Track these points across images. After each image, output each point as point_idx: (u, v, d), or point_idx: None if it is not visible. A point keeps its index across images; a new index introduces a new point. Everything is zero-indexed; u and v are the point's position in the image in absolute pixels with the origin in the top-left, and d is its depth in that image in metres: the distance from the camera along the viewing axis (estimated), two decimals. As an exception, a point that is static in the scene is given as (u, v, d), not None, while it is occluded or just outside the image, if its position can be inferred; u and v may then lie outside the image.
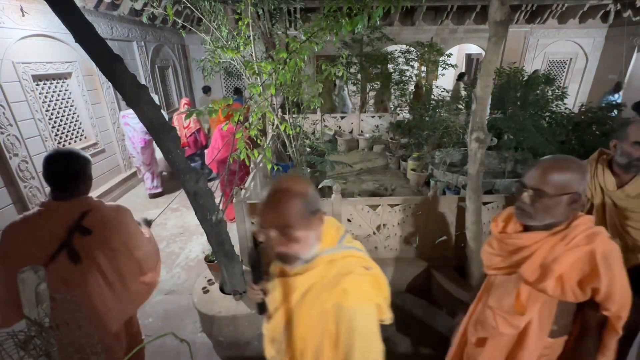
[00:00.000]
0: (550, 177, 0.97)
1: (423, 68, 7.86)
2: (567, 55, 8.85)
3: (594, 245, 0.96)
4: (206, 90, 6.92)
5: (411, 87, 7.13)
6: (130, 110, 4.67)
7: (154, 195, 4.90)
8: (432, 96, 5.97)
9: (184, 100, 5.42)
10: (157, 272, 1.64)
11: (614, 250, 0.98)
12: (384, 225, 2.65)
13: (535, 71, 7.61)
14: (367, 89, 7.77)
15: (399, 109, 6.88)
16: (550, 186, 0.97)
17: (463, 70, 9.52)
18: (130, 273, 1.47)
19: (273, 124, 3.80)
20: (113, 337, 1.42)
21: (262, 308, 1.01)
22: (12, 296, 1.08)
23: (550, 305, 1.07)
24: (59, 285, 1.26)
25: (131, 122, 4.36)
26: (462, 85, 7.39)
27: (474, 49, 9.61)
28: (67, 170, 1.31)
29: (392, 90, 6.88)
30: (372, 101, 8.24)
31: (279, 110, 4.34)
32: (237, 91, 6.72)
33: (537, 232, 1.05)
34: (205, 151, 4.78)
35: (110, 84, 4.48)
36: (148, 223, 1.76)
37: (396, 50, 7.15)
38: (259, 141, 2.78)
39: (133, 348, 1.60)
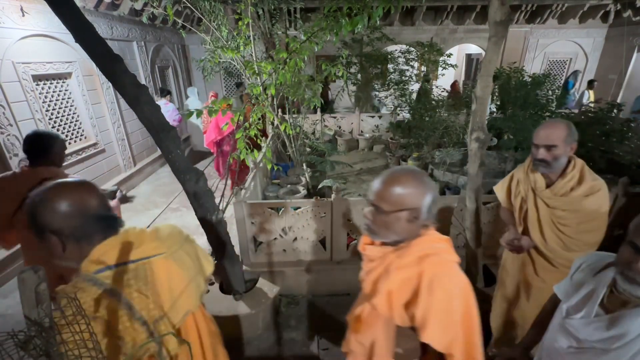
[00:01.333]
0: (386, 192, 0.90)
1: (423, 68, 7.85)
2: (567, 55, 8.85)
3: (423, 266, 0.90)
4: (239, 85, 7.15)
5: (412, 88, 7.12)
6: (162, 101, 5.77)
7: None
8: (432, 96, 5.97)
9: (211, 93, 5.94)
10: None
11: (447, 277, 0.89)
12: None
13: (576, 71, 7.53)
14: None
15: (399, 109, 6.88)
16: (386, 202, 0.90)
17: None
18: None
19: (273, 124, 3.80)
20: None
21: None
22: None
23: (390, 326, 0.99)
24: (22, 229, 1.66)
25: (162, 109, 4.93)
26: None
27: (474, 49, 9.61)
28: (34, 145, 1.70)
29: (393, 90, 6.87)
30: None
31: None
32: (239, 85, 6.84)
33: (384, 247, 0.99)
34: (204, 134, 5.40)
35: (110, 84, 4.48)
36: (111, 194, 2.19)
37: (396, 50, 7.15)
38: (259, 141, 2.78)
39: None
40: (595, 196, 1.48)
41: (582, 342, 0.97)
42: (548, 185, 1.58)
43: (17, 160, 3.32)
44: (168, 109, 6.39)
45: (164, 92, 6.08)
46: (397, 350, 1.00)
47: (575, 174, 1.51)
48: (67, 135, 4.23)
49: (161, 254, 0.90)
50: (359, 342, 1.05)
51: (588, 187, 1.49)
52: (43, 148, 1.72)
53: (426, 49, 6.85)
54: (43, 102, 3.84)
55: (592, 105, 4.06)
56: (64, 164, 3.96)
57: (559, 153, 1.45)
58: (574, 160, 1.53)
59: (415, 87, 7.23)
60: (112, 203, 1.96)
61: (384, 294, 0.94)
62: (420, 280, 0.89)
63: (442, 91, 6.11)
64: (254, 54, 3.33)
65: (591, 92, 7.04)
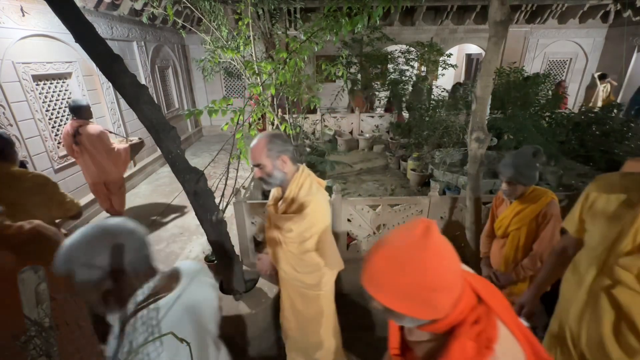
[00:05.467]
0: None
1: (423, 68, 7.85)
2: (567, 55, 8.85)
3: None
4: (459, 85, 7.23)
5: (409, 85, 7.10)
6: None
7: None
8: (432, 96, 5.97)
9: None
10: (123, 163, 3.56)
11: None
12: (384, 225, 2.65)
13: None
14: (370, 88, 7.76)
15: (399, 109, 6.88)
16: None
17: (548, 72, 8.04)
18: (100, 155, 3.31)
19: (273, 124, 3.80)
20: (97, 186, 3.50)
21: None
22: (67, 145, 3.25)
23: None
24: (79, 153, 3.26)
25: None
26: (600, 86, 6.54)
27: (474, 49, 9.61)
28: (72, 107, 3.20)
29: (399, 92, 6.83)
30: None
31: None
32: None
33: None
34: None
35: (110, 84, 4.48)
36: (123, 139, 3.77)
37: (396, 50, 7.14)
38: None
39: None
40: (303, 214, 1.38)
41: None
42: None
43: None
44: None
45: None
46: None
47: (293, 189, 1.42)
48: (67, 135, 4.23)
49: None
50: None
51: (299, 205, 1.40)
52: (78, 109, 3.21)
53: (426, 49, 6.84)
54: (43, 102, 3.84)
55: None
56: (60, 165, 4.02)
57: (268, 170, 1.37)
58: (298, 175, 1.43)
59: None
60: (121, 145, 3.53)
61: None
62: None
63: (442, 91, 6.10)
64: (254, 54, 3.32)
65: None
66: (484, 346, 0.65)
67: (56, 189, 1.86)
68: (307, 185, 1.42)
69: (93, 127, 3.29)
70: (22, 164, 2.24)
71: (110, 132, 3.42)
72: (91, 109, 3.43)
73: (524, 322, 0.74)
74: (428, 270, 0.63)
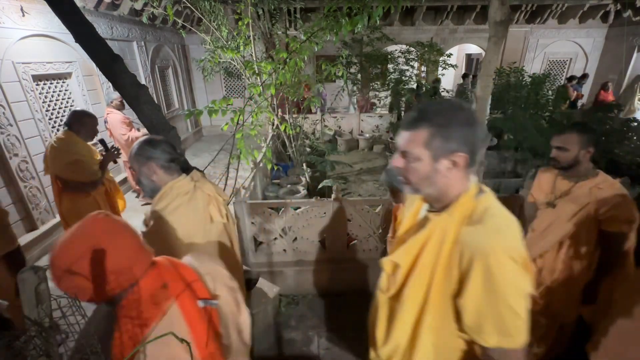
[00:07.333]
0: None
1: (423, 68, 7.86)
2: (567, 55, 8.85)
3: None
4: (465, 76, 7.63)
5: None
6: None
7: None
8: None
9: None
10: None
11: None
12: (384, 225, 2.65)
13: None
14: (367, 89, 7.77)
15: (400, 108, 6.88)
16: None
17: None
18: (117, 139, 4.04)
19: (273, 124, 3.80)
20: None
21: None
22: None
23: None
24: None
25: None
26: None
27: (474, 49, 9.61)
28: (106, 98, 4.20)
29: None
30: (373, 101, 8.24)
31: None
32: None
33: None
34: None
35: (110, 84, 4.49)
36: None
37: (396, 50, 7.15)
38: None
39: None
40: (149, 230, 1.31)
41: None
42: None
43: (17, 161, 3.32)
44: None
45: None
46: None
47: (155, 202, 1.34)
48: (67, 135, 4.24)
49: None
50: None
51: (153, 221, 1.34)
52: (110, 100, 4.06)
53: (426, 49, 6.85)
54: (43, 102, 3.84)
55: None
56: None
57: (137, 177, 1.33)
58: (167, 187, 1.33)
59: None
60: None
61: None
62: None
63: (442, 91, 6.10)
64: (254, 54, 3.33)
65: None
66: (143, 324, 0.76)
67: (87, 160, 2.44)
68: (166, 201, 1.30)
69: (114, 116, 4.00)
70: (103, 142, 2.59)
71: (135, 123, 4.06)
72: (123, 102, 4.06)
73: (200, 304, 0.85)
74: (64, 256, 0.73)
